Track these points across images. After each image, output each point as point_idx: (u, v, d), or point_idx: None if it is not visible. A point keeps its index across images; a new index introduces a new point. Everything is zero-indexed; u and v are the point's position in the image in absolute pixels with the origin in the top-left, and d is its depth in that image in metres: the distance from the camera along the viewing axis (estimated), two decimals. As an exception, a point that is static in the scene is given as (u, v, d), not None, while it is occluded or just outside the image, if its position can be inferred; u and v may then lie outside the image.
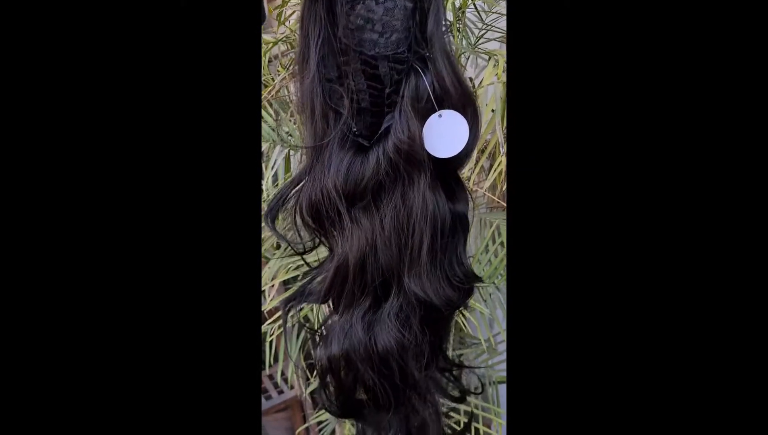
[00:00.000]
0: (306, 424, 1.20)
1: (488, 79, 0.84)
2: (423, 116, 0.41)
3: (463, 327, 0.91)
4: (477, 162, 1.04)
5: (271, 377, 1.48)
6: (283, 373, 1.52)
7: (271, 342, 0.99)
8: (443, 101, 0.41)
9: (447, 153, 0.42)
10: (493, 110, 0.88)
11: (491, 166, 1.00)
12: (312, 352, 0.48)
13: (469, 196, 0.51)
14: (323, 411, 1.11)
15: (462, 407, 0.98)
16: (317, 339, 0.48)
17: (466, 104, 0.42)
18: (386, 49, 0.38)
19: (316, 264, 0.50)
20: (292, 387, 1.44)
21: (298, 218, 0.44)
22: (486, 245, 0.98)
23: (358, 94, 0.39)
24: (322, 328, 0.50)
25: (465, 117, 0.41)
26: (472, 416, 0.88)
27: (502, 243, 0.97)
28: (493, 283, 0.96)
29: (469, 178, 1.13)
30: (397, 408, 0.46)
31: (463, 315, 0.92)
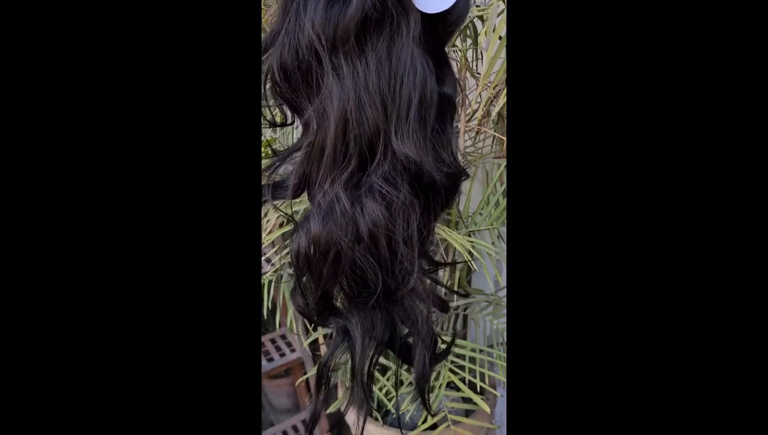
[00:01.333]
0: (305, 376, 1.16)
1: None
2: None
3: (470, 266, 0.86)
4: (484, 104, 0.99)
5: (273, 341, 1.45)
6: (284, 337, 1.48)
7: (268, 284, 0.95)
8: None
9: (437, 6, 0.37)
10: (500, 37, 0.82)
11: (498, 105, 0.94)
12: (288, 242, 0.42)
13: (458, 83, 0.46)
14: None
15: (468, 354, 0.93)
16: (293, 228, 0.42)
17: None
18: None
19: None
20: (293, 350, 1.40)
21: (270, 81, 0.39)
22: (494, 186, 0.93)
23: None
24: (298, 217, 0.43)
25: None
26: (455, 334, 0.82)
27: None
28: (502, 224, 0.91)
29: (478, 124, 1.08)
30: (386, 293, 0.41)
31: (471, 256, 0.87)
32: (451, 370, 0.97)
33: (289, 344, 1.43)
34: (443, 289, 0.52)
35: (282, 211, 0.44)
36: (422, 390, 0.47)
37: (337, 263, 0.39)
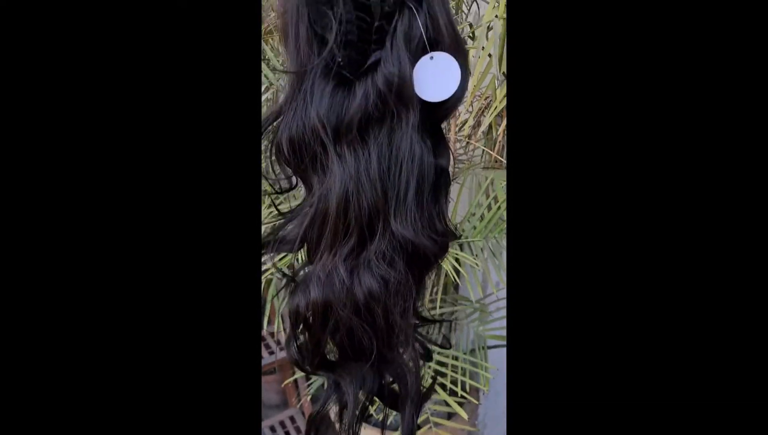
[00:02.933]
0: (293, 378, 1.18)
1: (488, 17, 0.79)
2: (413, 57, 0.38)
3: (454, 279, 0.89)
4: (474, 114, 1.01)
5: (262, 338, 1.47)
6: (273, 335, 1.51)
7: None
8: (436, 44, 0.38)
9: (437, 96, 0.39)
10: (490, 55, 0.84)
11: (489, 117, 0.96)
12: (287, 301, 0.45)
13: (451, 153, 0.48)
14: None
15: (451, 363, 0.96)
16: (293, 287, 0.45)
17: (458, 50, 0.39)
18: None
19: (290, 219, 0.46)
20: (282, 348, 1.43)
21: (275, 153, 0.41)
22: (479, 199, 0.95)
23: (346, 24, 0.36)
24: (298, 275, 0.47)
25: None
26: (435, 378, 0.86)
27: (495, 198, 0.94)
28: (485, 237, 0.94)
29: (468, 136, 1.10)
30: (378, 357, 0.43)
31: (456, 272, 0.90)
32: (432, 377, 1.00)
33: (278, 342, 1.45)
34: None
35: (284, 271, 0.47)
36: None
37: (335, 330, 0.41)
